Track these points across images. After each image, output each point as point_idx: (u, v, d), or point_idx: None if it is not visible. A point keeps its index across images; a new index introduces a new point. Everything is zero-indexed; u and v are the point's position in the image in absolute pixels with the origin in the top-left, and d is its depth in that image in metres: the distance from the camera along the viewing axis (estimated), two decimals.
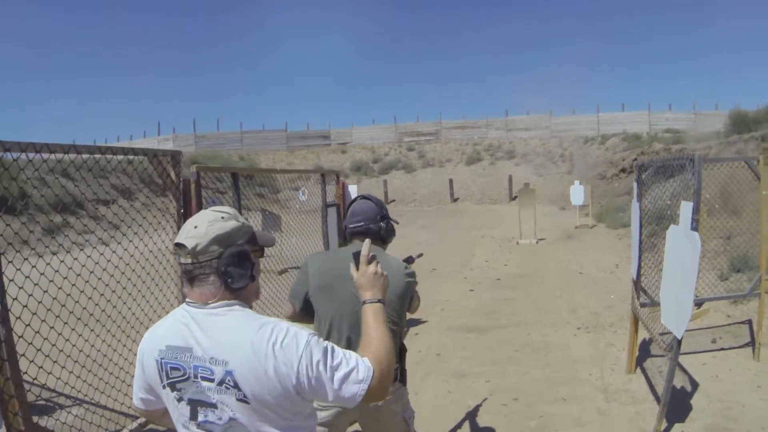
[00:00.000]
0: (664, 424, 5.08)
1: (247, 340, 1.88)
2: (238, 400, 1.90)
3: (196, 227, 1.98)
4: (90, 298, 3.70)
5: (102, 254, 3.77)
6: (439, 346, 8.20)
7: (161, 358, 2.00)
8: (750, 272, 9.36)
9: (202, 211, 2.10)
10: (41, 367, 3.43)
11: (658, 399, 5.68)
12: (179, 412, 2.02)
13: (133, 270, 4.08)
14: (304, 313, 3.29)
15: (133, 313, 4.10)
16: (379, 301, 2.24)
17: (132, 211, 4.44)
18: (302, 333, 1.93)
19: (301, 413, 2.01)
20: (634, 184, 6.69)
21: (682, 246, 4.76)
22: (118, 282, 4.03)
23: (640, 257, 6.54)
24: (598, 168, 32.62)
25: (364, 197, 3.48)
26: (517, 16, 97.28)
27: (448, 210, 31.24)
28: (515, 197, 30.06)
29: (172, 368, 1.98)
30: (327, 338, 2.82)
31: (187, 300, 2.03)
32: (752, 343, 7.23)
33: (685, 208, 4.75)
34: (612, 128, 39.26)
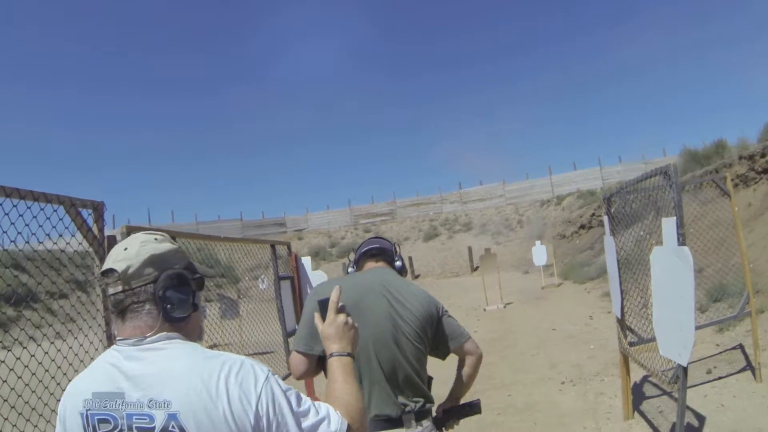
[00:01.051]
0: None
1: (194, 374, 1.56)
2: None
3: (126, 249, 1.72)
4: (41, 394, 3.03)
5: (59, 350, 3.10)
6: None
7: (86, 410, 1.63)
8: (730, 299, 9.31)
9: (132, 235, 1.82)
10: None
11: None
12: None
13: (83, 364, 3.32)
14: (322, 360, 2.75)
15: None
16: (348, 354, 1.96)
17: (88, 303, 3.70)
18: (260, 366, 1.63)
19: None
20: (605, 218, 6.27)
21: (672, 266, 4.31)
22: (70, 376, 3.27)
23: (622, 293, 5.95)
24: (557, 228, 32.69)
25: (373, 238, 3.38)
26: (462, 86, 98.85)
27: None
28: (477, 268, 29.82)
29: (100, 421, 1.61)
30: (361, 367, 2.65)
31: (117, 338, 1.70)
32: (749, 366, 6.97)
33: (668, 225, 4.37)
34: (566, 188, 39.67)
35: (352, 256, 3.34)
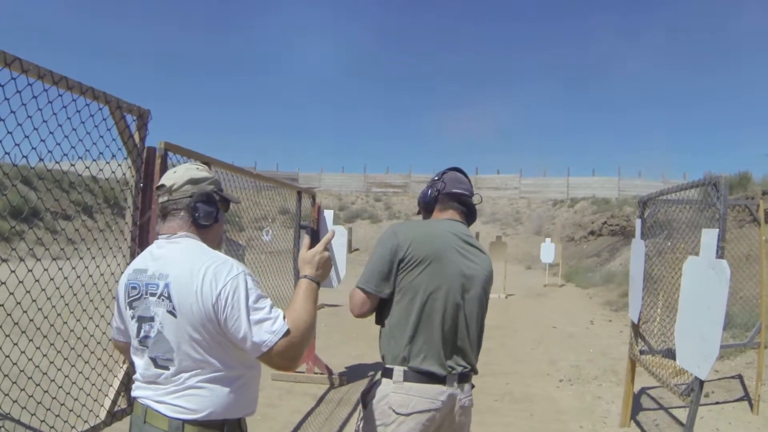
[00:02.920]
0: None
1: (189, 259, 2.10)
2: (168, 311, 2.06)
3: (174, 172, 2.32)
4: (40, 309, 3.02)
5: (60, 269, 3.10)
6: None
7: (128, 282, 2.22)
8: (734, 330, 9.03)
9: (183, 164, 2.45)
10: None
11: None
12: (132, 332, 2.19)
13: (87, 291, 3.33)
14: (386, 298, 2.78)
15: (86, 329, 3.36)
16: (317, 283, 2.26)
17: (94, 230, 3.72)
18: (240, 267, 2.09)
19: (230, 352, 2.08)
20: (638, 221, 6.17)
21: (705, 277, 4.27)
22: (71, 298, 3.26)
23: (642, 299, 5.95)
24: (566, 230, 32.57)
25: (459, 170, 3.12)
26: (494, 74, 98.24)
27: None
28: None
29: (131, 288, 2.19)
30: (421, 320, 2.70)
31: (158, 235, 2.29)
32: (747, 396, 6.93)
33: (709, 236, 4.29)
34: (581, 192, 39.49)
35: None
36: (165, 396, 2.06)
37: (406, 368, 2.66)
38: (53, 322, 3.07)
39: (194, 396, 2.04)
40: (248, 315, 1.99)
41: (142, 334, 2.13)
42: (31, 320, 2.95)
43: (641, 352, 5.95)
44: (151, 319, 2.10)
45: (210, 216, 2.26)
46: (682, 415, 6.28)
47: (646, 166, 78.61)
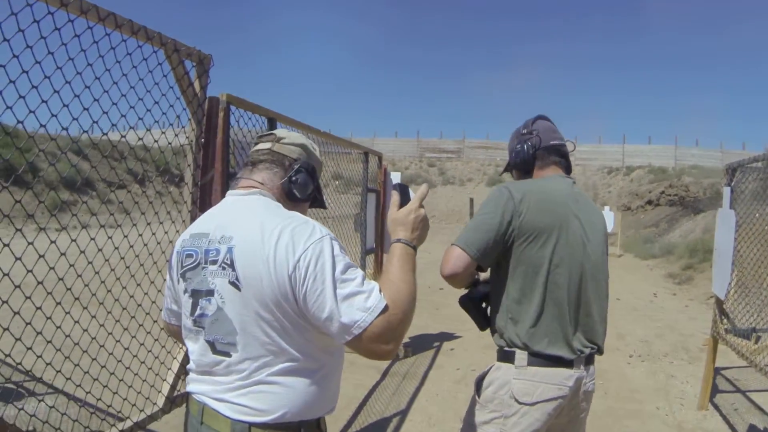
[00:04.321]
0: None
1: (259, 219, 1.72)
2: (230, 282, 1.68)
3: (296, 133, 2.03)
4: (103, 282, 2.77)
5: (110, 238, 2.81)
6: (479, 365, 7.07)
7: (182, 248, 1.85)
8: None
9: None
10: (19, 339, 2.48)
11: None
12: (186, 309, 1.83)
13: (141, 260, 3.04)
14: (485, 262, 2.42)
15: (134, 299, 3.09)
16: (414, 247, 1.87)
17: (144, 198, 3.36)
18: (324, 230, 1.71)
19: (310, 336, 1.69)
20: (726, 189, 5.72)
21: None
22: (127, 267, 2.99)
23: (732, 274, 5.54)
24: (622, 199, 31.88)
25: (546, 117, 2.79)
26: (548, 38, 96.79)
27: None
28: None
29: (187, 255, 1.82)
30: (546, 299, 2.38)
31: (230, 192, 1.93)
32: None
33: None
34: (637, 160, 38.59)
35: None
36: (227, 393, 1.69)
37: (529, 352, 2.35)
38: (114, 293, 2.86)
39: (264, 393, 1.66)
40: (335, 288, 1.59)
41: (198, 311, 1.75)
42: (93, 294, 2.73)
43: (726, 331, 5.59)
44: (210, 292, 1.71)
45: (306, 189, 1.92)
46: (760, 399, 6.03)
47: (704, 134, 76.76)
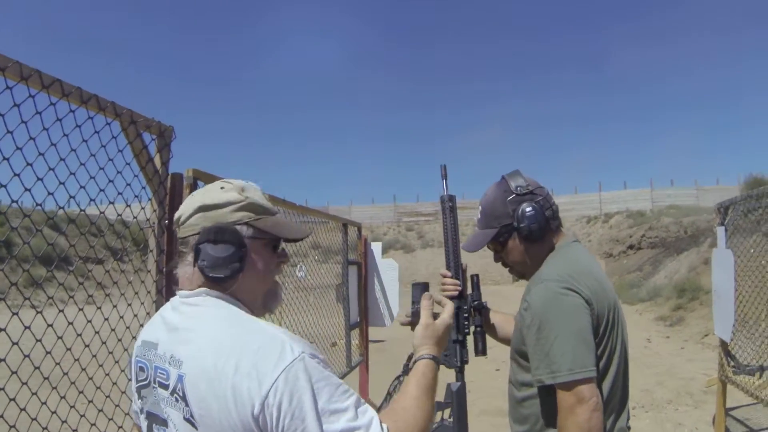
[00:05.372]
0: None
1: (211, 334, 1.39)
2: (185, 419, 1.36)
3: (192, 196, 1.59)
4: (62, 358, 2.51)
5: (90, 319, 2.53)
6: None
7: (136, 358, 1.58)
8: None
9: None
10: None
11: None
12: (143, 428, 1.56)
13: (119, 337, 2.77)
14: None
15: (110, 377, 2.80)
16: (435, 359, 1.64)
17: (124, 273, 3.07)
18: (295, 345, 1.35)
19: None
20: (719, 229, 5.58)
21: None
22: (103, 343, 2.69)
23: (735, 315, 5.36)
24: (603, 246, 31.91)
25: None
26: (519, 94, 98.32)
27: None
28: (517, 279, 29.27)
29: (139, 368, 1.55)
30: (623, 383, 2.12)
31: (177, 290, 1.58)
32: None
33: None
34: (614, 206, 38.92)
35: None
36: None
37: None
38: (88, 372, 2.59)
39: None
40: (320, 426, 1.26)
41: None
42: (65, 373, 2.45)
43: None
44: (164, 422, 1.45)
45: (222, 264, 1.45)
46: None
47: (678, 173, 77.58)
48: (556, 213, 2.29)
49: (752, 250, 5.60)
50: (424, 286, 1.81)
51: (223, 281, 1.47)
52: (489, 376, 9.92)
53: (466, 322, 2.30)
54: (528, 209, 2.22)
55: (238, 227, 1.50)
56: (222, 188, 1.56)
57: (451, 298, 2.22)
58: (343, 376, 5.31)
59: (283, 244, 1.66)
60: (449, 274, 2.30)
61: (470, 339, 2.33)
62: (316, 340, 6.49)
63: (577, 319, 1.95)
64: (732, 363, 5.47)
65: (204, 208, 1.51)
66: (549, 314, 1.98)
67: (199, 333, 1.41)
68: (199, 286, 1.50)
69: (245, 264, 1.49)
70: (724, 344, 5.48)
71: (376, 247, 7.20)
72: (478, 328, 2.39)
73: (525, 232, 2.23)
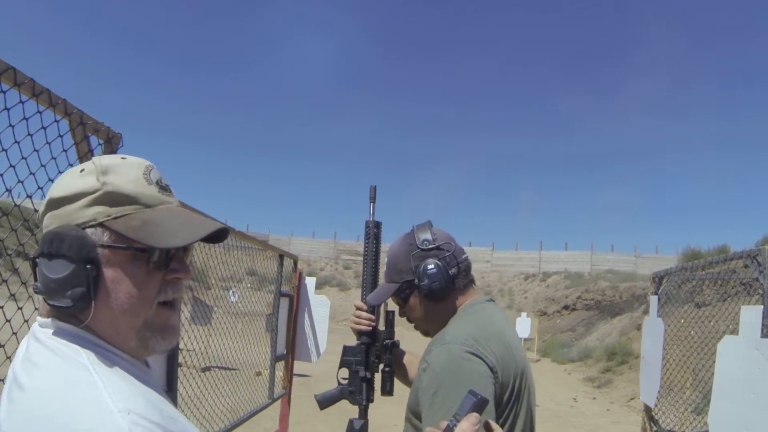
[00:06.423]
0: None
1: (39, 405, 0.93)
2: None
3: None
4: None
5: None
6: None
7: None
8: None
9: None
10: None
11: None
12: None
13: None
14: None
15: None
16: None
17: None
18: (117, 405, 0.91)
19: None
20: (653, 298, 5.64)
21: (748, 359, 3.85)
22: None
23: (660, 382, 5.40)
24: (538, 304, 32.23)
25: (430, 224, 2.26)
26: (469, 150, 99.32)
27: None
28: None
29: None
30: None
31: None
32: None
33: (750, 314, 3.85)
34: (553, 266, 39.29)
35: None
36: None
37: None
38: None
39: None
40: None
41: None
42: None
43: None
44: None
45: (58, 287, 1.00)
46: None
47: (618, 240, 79.28)
48: (464, 270, 2.13)
49: (682, 320, 5.71)
50: (481, 400, 1.40)
51: (69, 311, 1.02)
52: (394, 417, 9.78)
53: (375, 360, 2.27)
54: (430, 266, 2.08)
55: (89, 230, 1.04)
56: (81, 171, 1.09)
57: (363, 333, 2.19)
58: (264, 408, 5.15)
59: (181, 251, 1.15)
60: (365, 307, 2.24)
61: (378, 377, 2.30)
62: (241, 367, 6.30)
63: (477, 388, 1.76)
64: (655, 428, 5.50)
65: (52, 204, 1.07)
66: (447, 379, 1.81)
67: (20, 404, 0.97)
68: (48, 314, 1.06)
69: (99, 287, 1.03)
70: (648, 409, 5.53)
71: (310, 282, 7.03)
72: (387, 369, 2.33)
73: (425, 291, 2.08)
